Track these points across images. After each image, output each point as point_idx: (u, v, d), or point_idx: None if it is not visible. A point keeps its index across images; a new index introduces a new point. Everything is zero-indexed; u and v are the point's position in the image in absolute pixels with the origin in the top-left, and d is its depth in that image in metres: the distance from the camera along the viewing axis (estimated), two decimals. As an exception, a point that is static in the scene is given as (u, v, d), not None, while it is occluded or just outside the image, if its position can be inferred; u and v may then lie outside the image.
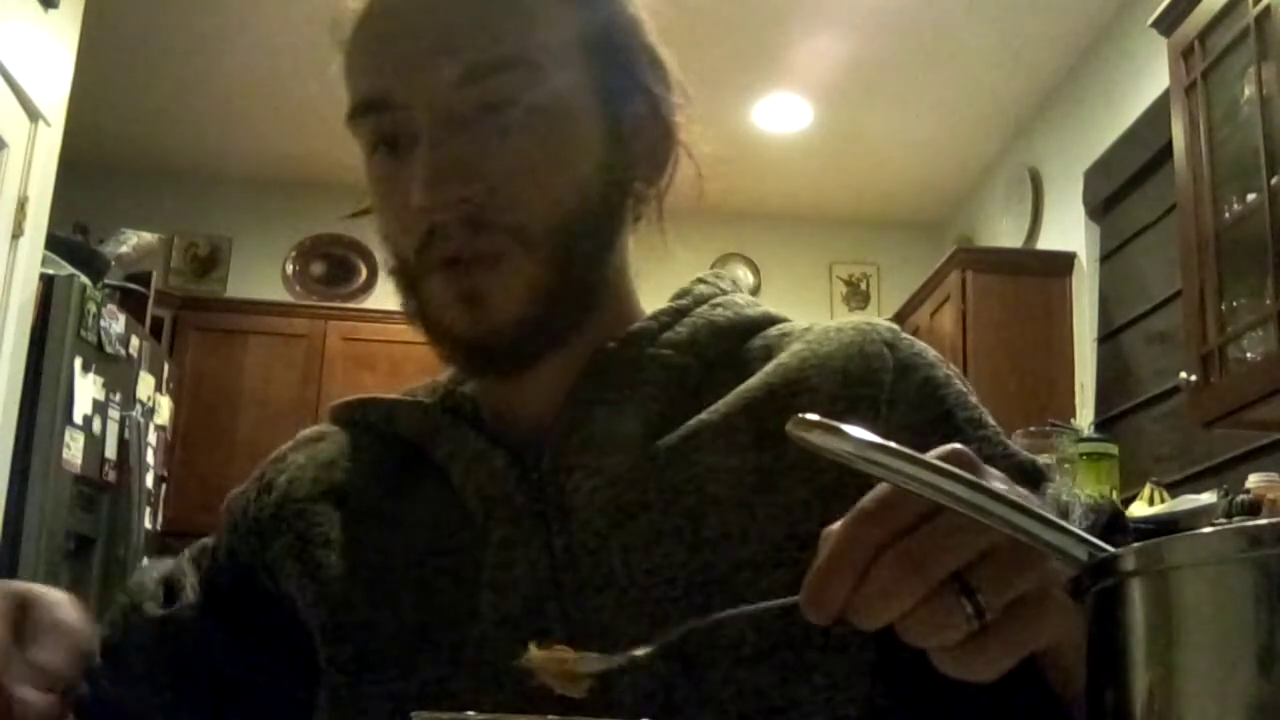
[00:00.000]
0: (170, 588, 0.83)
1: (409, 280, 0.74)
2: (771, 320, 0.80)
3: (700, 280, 0.82)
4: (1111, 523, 0.69)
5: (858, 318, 0.78)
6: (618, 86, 0.74)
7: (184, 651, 0.79)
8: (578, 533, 0.69)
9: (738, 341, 0.77)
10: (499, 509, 0.71)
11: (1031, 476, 0.70)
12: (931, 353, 0.75)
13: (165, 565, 0.86)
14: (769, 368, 0.74)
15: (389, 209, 0.73)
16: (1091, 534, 0.56)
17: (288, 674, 0.77)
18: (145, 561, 3.74)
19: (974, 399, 0.74)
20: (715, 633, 0.64)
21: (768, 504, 0.68)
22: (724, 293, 0.81)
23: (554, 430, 0.73)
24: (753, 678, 0.64)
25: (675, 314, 0.77)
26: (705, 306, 0.78)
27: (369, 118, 0.72)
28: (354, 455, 0.80)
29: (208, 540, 0.86)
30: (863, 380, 0.72)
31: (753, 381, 0.73)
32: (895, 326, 0.77)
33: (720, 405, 0.72)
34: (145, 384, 3.83)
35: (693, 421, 0.72)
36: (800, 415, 0.41)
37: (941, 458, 0.44)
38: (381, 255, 0.77)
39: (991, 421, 0.73)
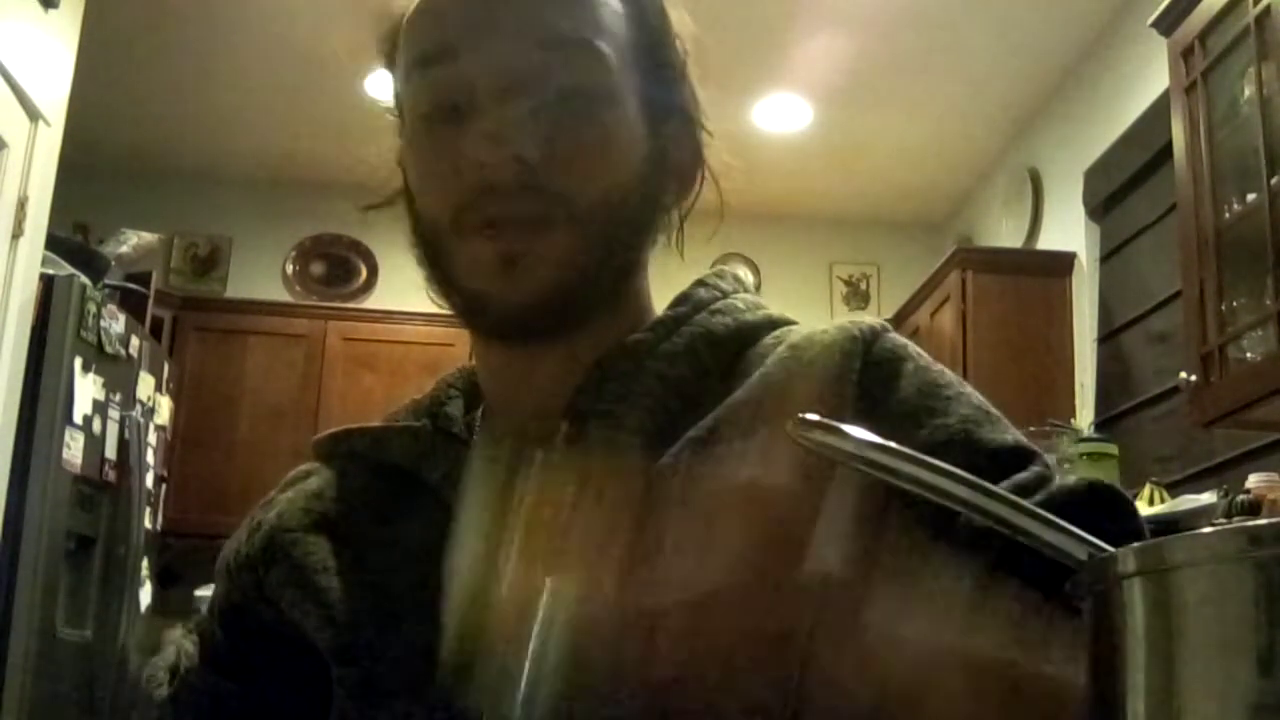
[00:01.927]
0: (175, 668, 0.83)
1: (442, 246, 0.73)
2: (773, 324, 0.79)
3: (700, 283, 0.81)
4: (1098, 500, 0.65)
5: (858, 317, 0.78)
6: (661, 102, 0.77)
7: (199, 714, 0.80)
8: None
9: (736, 350, 0.77)
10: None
11: (1011, 460, 0.67)
12: (909, 348, 0.74)
13: (170, 651, 0.87)
14: (754, 378, 0.73)
15: (436, 171, 0.74)
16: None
17: (302, 701, 0.76)
18: (146, 562, 3.74)
19: (951, 390, 0.71)
20: (710, 645, 0.64)
21: (756, 512, 0.67)
22: (724, 295, 0.80)
23: (551, 445, 0.72)
24: (752, 688, 0.63)
25: (674, 323, 0.77)
26: (704, 313, 0.78)
27: (431, 70, 0.73)
28: (341, 485, 0.80)
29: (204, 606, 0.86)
30: (839, 377, 0.71)
31: (739, 394, 0.73)
32: (880, 324, 0.76)
33: (708, 420, 0.72)
34: (145, 384, 3.83)
35: (684, 437, 0.71)
36: (801, 415, 0.41)
37: None
38: (408, 232, 0.77)
39: (964, 410, 0.70)
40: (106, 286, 3.74)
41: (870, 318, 0.76)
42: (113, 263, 3.91)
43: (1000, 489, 0.42)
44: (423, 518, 0.75)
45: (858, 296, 5.48)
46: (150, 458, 3.81)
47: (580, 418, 0.73)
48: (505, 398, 0.79)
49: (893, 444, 0.40)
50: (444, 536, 0.73)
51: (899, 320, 4.64)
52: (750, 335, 0.78)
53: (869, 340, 0.74)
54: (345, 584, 0.74)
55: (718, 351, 0.76)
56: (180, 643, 0.84)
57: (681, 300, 0.79)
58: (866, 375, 0.72)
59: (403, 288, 5.07)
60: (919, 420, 0.69)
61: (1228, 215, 2.61)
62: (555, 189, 0.70)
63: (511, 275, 0.71)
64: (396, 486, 0.77)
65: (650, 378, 0.74)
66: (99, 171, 4.85)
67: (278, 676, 0.78)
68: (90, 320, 3.33)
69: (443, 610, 0.71)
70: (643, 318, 0.78)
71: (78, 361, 3.26)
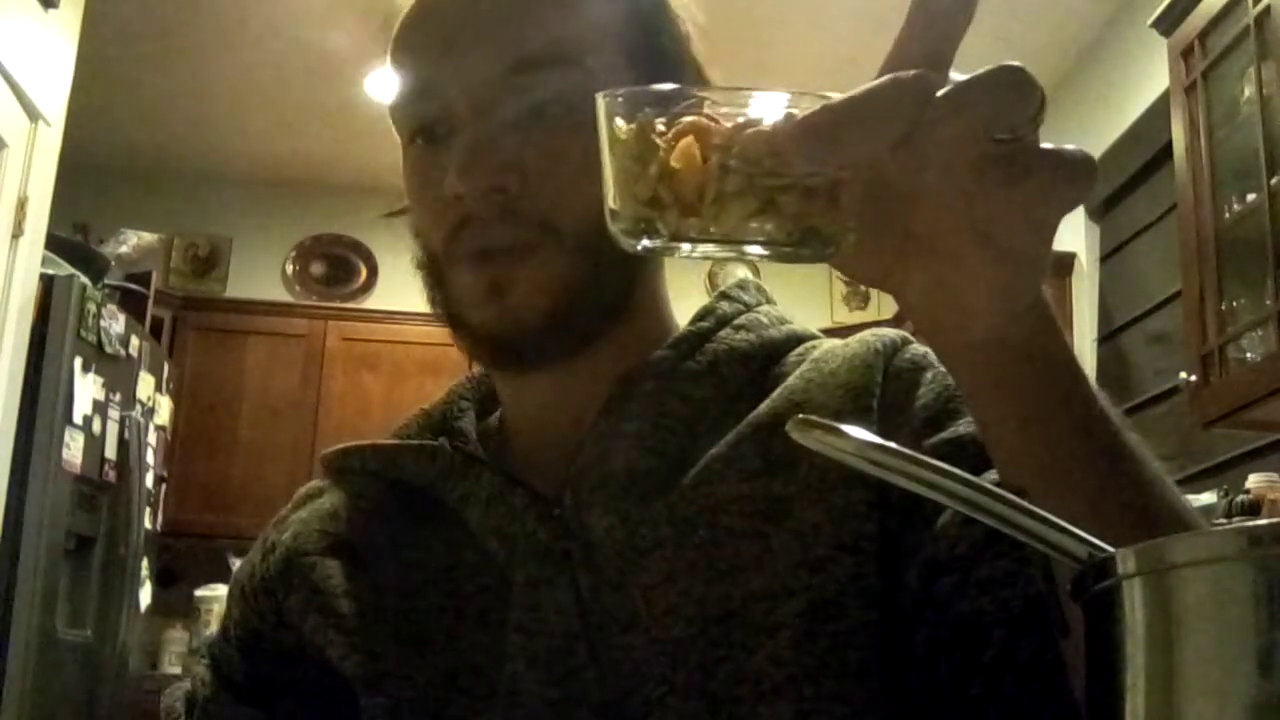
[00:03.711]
0: (193, 700, 0.80)
1: (437, 273, 0.73)
2: (797, 340, 0.78)
3: (723, 295, 0.80)
4: None
5: (861, 321, 0.77)
6: None
7: None
8: (603, 571, 0.68)
9: (760, 368, 0.76)
10: (521, 548, 0.70)
11: None
12: (930, 357, 0.73)
13: (187, 682, 0.85)
14: (776, 393, 0.73)
15: (422, 199, 0.73)
16: None
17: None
18: (145, 562, 3.74)
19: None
20: (738, 669, 0.64)
21: (780, 531, 0.67)
22: (748, 308, 0.79)
23: (574, 466, 0.71)
24: (775, 711, 0.63)
25: (697, 339, 0.76)
26: (728, 329, 0.77)
27: (410, 105, 0.73)
28: (355, 505, 0.78)
29: (216, 630, 0.84)
30: (862, 391, 0.71)
31: (761, 408, 0.72)
32: (901, 336, 0.75)
33: (730, 435, 0.71)
34: (145, 384, 3.83)
35: (706, 456, 0.70)
36: (800, 416, 0.41)
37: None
38: (411, 249, 0.76)
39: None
40: (106, 286, 3.74)
41: (892, 330, 0.76)
42: (113, 263, 3.92)
43: (999, 489, 0.42)
44: (441, 538, 0.74)
45: (858, 296, 5.48)
46: (150, 458, 3.81)
47: (603, 438, 0.71)
48: (526, 420, 0.78)
49: (892, 444, 0.40)
50: (463, 558, 0.72)
51: (899, 321, 4.64)
52: (774, 352, 0.77)
53: (890, 353, 0.73)
54: (366, 609, 0.73)
55: (742, 369, 0.75)
56: (195, 671, 0.82)
57: (704, 314, 0.78)
58: (888, 386, 0.71)
59: (403, 288, 5.07)
60: (940, 423, 0.68)
61: (1228, 215, 2.61)
62: (537, 214, 0.69)
63: (499, 304, 0.70)
64: (413, 506, 0.76)
65: (674, 399, 0.73)
66: (99, 171, 4.85)
67: (300, 700, 0.76)
68: (90, 320, 3.33)
69: (463, 634, 0.70)
70: (663, 329, 0.77)
71: (78, 361, 3.26)
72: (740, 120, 0.45)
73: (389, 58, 0.75)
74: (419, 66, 0.72)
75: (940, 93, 0.44)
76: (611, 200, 0.48)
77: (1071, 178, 0.45)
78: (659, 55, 0.75)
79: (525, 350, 0.72)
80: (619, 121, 0.47)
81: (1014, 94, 0.44)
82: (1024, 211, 0.45)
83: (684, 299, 0.79)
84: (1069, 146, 0.45)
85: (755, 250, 0.46)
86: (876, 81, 0.44)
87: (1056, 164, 0.45)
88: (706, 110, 0.46)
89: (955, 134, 0.44)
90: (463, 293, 0.71)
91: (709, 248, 0.47)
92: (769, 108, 0.46)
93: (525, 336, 0.70)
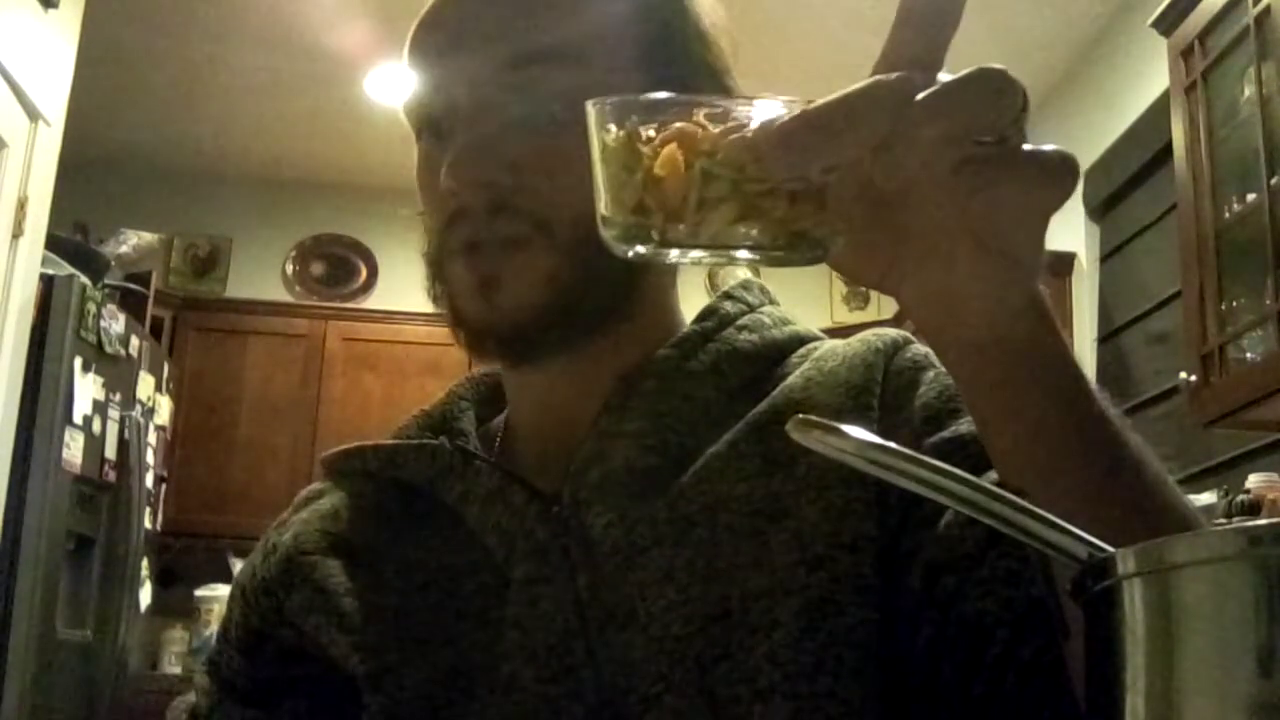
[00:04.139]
0: (195, 711, 0.80)
1: (437, 265, 0.74)
2: (800, 341, 0.78)
3: (726, 295, 0.80)
4: None
5: (861, 321, 0.77)
6: None
7: None
8: (601, 568, 0.68)
9: (763, 368, 0.76)
10: (520, 545, 0.70)
11: None
12: (931, 357, 0.73)
13: (190, 696, 0.84)
14: (775, 392, 0.73)
15: (426, 193, 0.74)
16: None
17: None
18: (145, 562, 3.74)
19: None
20: (735, 667, 0.64)
21: (778, 529, 0.67)
22: (751, 308, 0.79)
23: (573, 464, 0.71)
24: (772, 709, 0.62)
25: (700, 338, 0.76)
26: (731, 329, 0.77)
27: (417, 101, 0.74)
28: (356, 505, 0.78)
29: (216, 632, 0.83)
30: (862, 389, 0.71)
31: (760, 407, 0.72)
32: (903, 336, 0.75)
33: (730, 434, 0.71)
34: (145, 384, 3.83)
35: (705, 454, 0.71)
36: (800, 416, 0.41)
37: None
38: (416, 247, 0.78)
39: None
40: (106, 286, 3.74)
41: (893, 330, 0.76)
42: (113, 263, 3.92)
43: (999, 489, 0.42)
44: (441, 537, 0.74)
45: (858, 296, 5.48)
46: (150, 458, 3.81)
47: (604, 437, 0.72)
48: (528, 418, 0.79)
49: (892, 444, 0.40)
50: (463, 557, 0.73)
51: (898, 321, 4.64)
52: (777, 352, 0.77)
53: (891, 352, 0.73)
54: (368, 608, 0.73)
55: (744, 369, 0.75)
56: (196, 682, 0.82)
57: (707, 314, 0.78)
58: (888, 385, 0.71)
59: (403, 288, 5.08)
60: (940, 422, 0.68)
61: (1228, 215, 2.61)
62: (531, 210, 0.69)
63: (489, 298, 0.70)
64: (413, 506, 0.76)
65: (676, 398, 0.73)
66: (99, 171, 4.85)
67: (301, 699, 0.76)
68: (90, 320, 3.33)
69: (463, 632, 0.70)
70: (668, 328, 0.77)
71: (78, 361, 3.26)
72: (729, 125, 0.46)
73: (405, 55, 0.76)
74: (426, 63, 0.73)
75: (920, 96, 0.44)
76: (603, 207, 0.49)
77: (1051, 179, 0.46)
78: (671, 55, 0.74)
79: (520, 345, 0.72)
80: (610, 128, 0.47)
81: (994, 96, 0.44)
82: (1008, 213, 0.46)
83: (685, 299, 0.80)
84: (1048, 147, 0.46)
85: (743, 254, 0.47)
86: (857, 85, 0.45)
87: (1035, 166, 0.45)
88: (695, 118, 0.46)
89: (935, 137, 0.44)
90: (457, 286, 0.72)
91: (697, 253, 0.47)
92: (759, 114, 0.46)
93: (519, 331, 0.71)
